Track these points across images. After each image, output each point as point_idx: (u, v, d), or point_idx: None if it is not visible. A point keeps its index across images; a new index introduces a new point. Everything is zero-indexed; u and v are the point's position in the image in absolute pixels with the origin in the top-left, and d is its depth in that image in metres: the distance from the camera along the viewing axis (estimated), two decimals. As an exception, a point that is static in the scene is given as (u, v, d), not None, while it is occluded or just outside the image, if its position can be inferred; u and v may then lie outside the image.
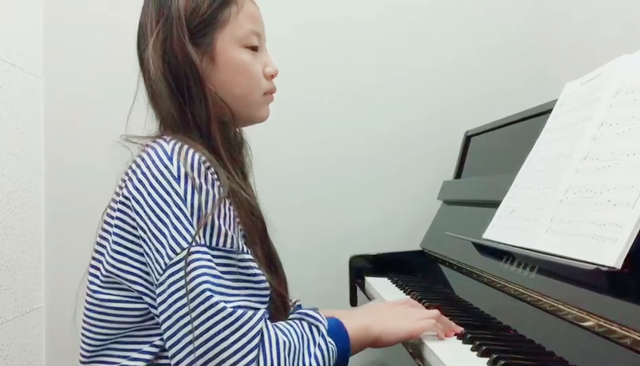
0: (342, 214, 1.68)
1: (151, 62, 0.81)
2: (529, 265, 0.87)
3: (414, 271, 1.47)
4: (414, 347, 0.85)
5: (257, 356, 0.69)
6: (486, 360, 0.72)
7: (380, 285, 1.32)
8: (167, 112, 0.82)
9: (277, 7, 1.58)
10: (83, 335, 0.80)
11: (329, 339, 0.77)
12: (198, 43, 0.82)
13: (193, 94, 0.81)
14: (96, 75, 1.61)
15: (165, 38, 0.81)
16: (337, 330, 0.80)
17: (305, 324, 0.78)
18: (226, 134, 0.88)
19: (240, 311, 0.70)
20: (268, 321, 0.74)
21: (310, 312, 0.81)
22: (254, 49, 0.87)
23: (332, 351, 0.77)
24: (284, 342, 0.72)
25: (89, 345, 0.79)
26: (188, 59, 0.80)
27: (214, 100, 0.83)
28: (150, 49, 0.81)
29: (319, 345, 0.76)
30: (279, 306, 0.84)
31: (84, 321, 0.80)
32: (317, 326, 0.78)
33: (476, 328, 0.87)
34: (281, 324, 0.77)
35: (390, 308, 0.91)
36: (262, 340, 0.71)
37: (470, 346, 0.78)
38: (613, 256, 0.64)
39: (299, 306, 1.03)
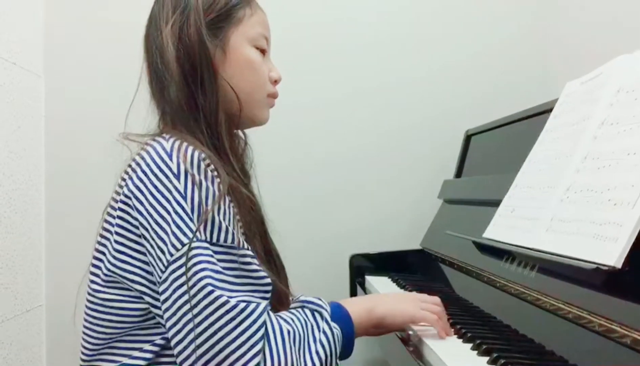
0: (343, 213, 1.69)
1: (165, 47, 0.82)
2: (529, 264, 0.87)
3: (415, 270, 1.47)
4: (414, 346, 0.85)
5: (263, 348, 0.69)
6: (486, 358, 0.72)
7: (380, 284, 1.32)
8: (174, 101, 0.82)
9: (278, 7, 1.58)
10: (85, 333, 0.80)
11: (333, 324, 0.78)
12: (213, 34, 0.84)
13: (205, 82, 0.82)
14: (97, 73, 1.62)
15: (182, 25, 0.83)
16: (339, 314, 0.80)
17: (307, 311, 0.79)
18: (230, 129, 0.88)
19: (243, 304, 0.69)
20: (271, 313, 0.74)
21: (312, 299, 0.81)
22: (263, 52, 0.90)
23: (337, 335, 0.77)
24: (288, 331, 0.73)
25: (91, 343, 0.79)
26: (203, 46, 0.82)
27: (224, 91, 0.84)
28: (165, 35, 0.82)
29: (324, 330, 0.76)
30: (282, 301, 0.84)
31: (86, 320, 0.80)
32: (319, 312, 0.79)
33: (476, 327, 0.87)
34: (284, 313, 0.77)
35: (393, 294, 0.92)
36: (266, 332, 0.71)
37: (470, 345, 0.78)
38: (613, 256, 0.64)
39: None
